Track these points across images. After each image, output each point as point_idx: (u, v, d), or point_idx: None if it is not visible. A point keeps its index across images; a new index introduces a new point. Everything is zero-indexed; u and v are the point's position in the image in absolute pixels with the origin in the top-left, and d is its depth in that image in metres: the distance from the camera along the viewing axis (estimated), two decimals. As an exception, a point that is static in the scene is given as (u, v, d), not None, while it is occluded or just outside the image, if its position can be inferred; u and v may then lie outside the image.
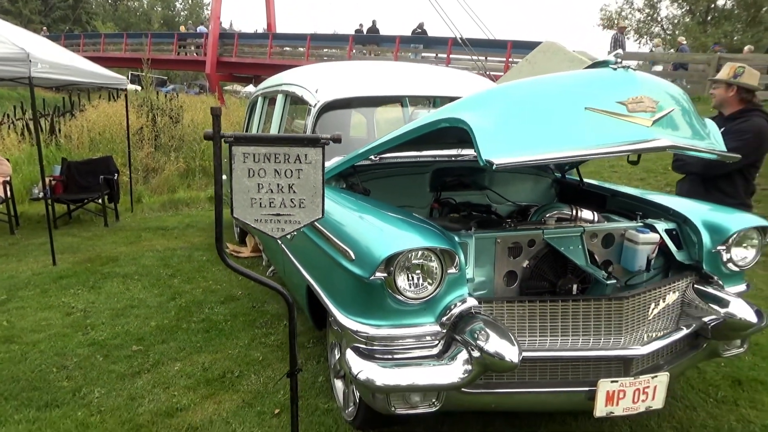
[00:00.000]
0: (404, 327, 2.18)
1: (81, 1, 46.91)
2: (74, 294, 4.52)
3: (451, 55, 18.42)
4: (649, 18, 32.84)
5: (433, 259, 2.15)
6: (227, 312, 4.10)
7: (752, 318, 2.44)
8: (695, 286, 2.64)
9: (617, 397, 2.28)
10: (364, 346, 2.20)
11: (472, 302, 2.21)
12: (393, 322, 2.18)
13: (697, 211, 2.82)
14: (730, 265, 2.71)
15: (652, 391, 2.31)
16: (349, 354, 2.20)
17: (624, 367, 2.30)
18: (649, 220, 2.83)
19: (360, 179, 3.24)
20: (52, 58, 5.67)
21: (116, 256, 5.72)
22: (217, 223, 2.04)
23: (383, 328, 2.18)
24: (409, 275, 2.15)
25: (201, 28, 26.67)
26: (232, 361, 3.31)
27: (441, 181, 3.48)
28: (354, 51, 21.72)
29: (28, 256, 5.78)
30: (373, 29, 22.44)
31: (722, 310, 2.47)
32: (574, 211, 2.97)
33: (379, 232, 2.29)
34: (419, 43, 20.05)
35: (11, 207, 7.25)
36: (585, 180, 3.63)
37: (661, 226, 2.77)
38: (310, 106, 3.66)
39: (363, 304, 2.22)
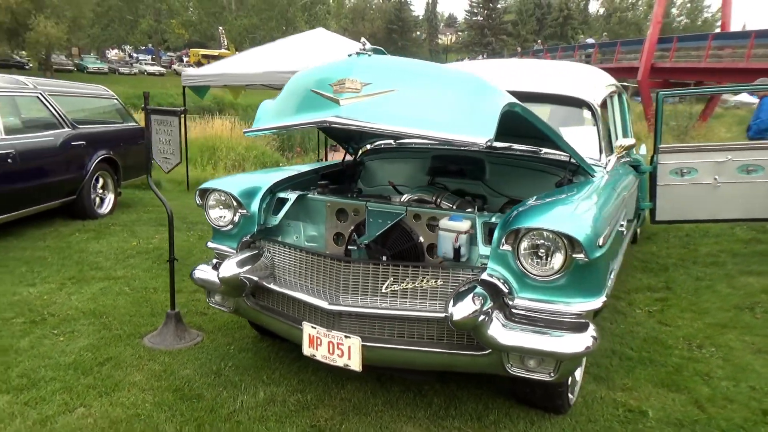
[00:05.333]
0: (224, 246, 3.08)
1: (569, 18, 51.39)
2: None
3: None
4: None
5: (229, 200, 2.98)
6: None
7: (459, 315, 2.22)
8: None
9: (316, 342, 2.59)
10: (215, 260, 3.21)
11: (250, 239, 2.93)
12: (220, 244, 3.11)
13: (526, 205, 2.53)
14: (533, 275, 2.36)
15: (347, 350, 2.51)
16: (203, 264, 3.22)
17: (331, 320, 2.56)
18: (489, 212, 2.68)
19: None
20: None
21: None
22: (147, 163, 3.42)
23: (218, 246, 3.13)
24: (218, 209, 3.04)
25: (589, 40, 26.44)
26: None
27: (437, 167, 3.78)
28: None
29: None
30: None
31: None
32: (436, 198, 3.00)
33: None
34: None
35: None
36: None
37: (484, 218, 2.61)
38: None
39: (212, 230, 3.22)
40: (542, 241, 2.32)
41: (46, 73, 37.61)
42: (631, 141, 3.77)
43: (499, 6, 58.03)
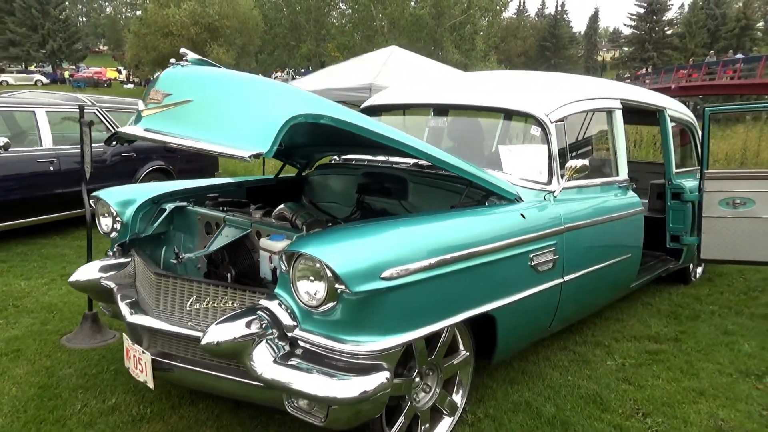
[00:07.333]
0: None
1: (748, 28, 45.59)
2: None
3: None
4: None
5: (108, 209, 3.07)
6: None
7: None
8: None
9: (129, 355, 2.54)
10: None
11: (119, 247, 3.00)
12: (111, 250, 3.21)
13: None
14: (305, 306, 2.12)
15: (144, 366, 2.43)
16: None
17: (136, 333, 2.51)
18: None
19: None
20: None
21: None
22: (82, 171, 3.66)
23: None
24: (103, 217, 3.15)
25: (739, 55, 23.10)
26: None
27: (365, 184, 3.56)
28: None
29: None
30: None
31: None
32: (293, 215, 2.79)
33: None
34: None
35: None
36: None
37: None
38: None
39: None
40: (310, 267, 2.07)
41: (217, 94, 42.15)
42: (582, 162, 3.22)
43: (663, 18, 53.46)
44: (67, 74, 47.80)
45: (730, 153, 11.42)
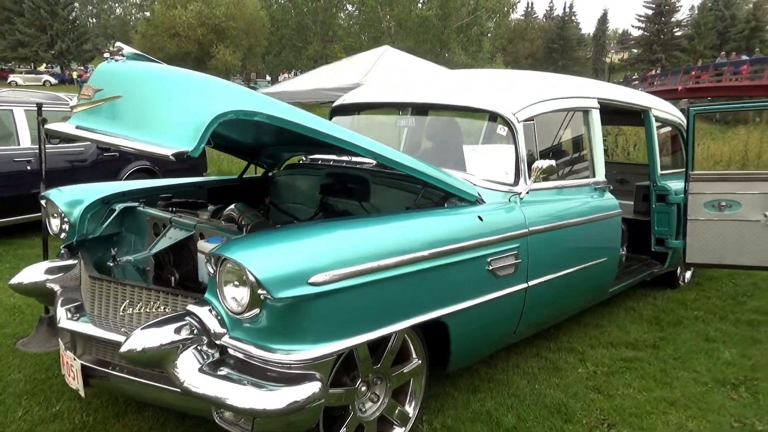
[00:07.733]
0: None
1: (758, 30, 45.06)
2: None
3: None
4: None
5: (56, 209, 2.99)
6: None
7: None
8: None
9: (63, 362, 2.45)
10: None
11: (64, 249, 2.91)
12: None
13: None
14: (230, 312, 2.02)
15: (76, 374, 2.34)
16: None
17: (70, 339, 2.42)
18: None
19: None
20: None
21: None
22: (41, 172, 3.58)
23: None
24: (52, 218, 3.06)
25: (743, 57, 23.12)
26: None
27: (327, 185, 3.46)
28: None
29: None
30: None
31: None
32: (239, 217, 2.69)
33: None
34: None
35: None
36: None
37: (237, 241, 2.29)
38: None
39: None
40: (235, 271, 1.97)
41: (222, 95, 42.24)
42: (549, 162, 3.09)
43: (672, 20, 52.98)
44: (75, 75, 48.01)
45: (731, 155, 11.22)
